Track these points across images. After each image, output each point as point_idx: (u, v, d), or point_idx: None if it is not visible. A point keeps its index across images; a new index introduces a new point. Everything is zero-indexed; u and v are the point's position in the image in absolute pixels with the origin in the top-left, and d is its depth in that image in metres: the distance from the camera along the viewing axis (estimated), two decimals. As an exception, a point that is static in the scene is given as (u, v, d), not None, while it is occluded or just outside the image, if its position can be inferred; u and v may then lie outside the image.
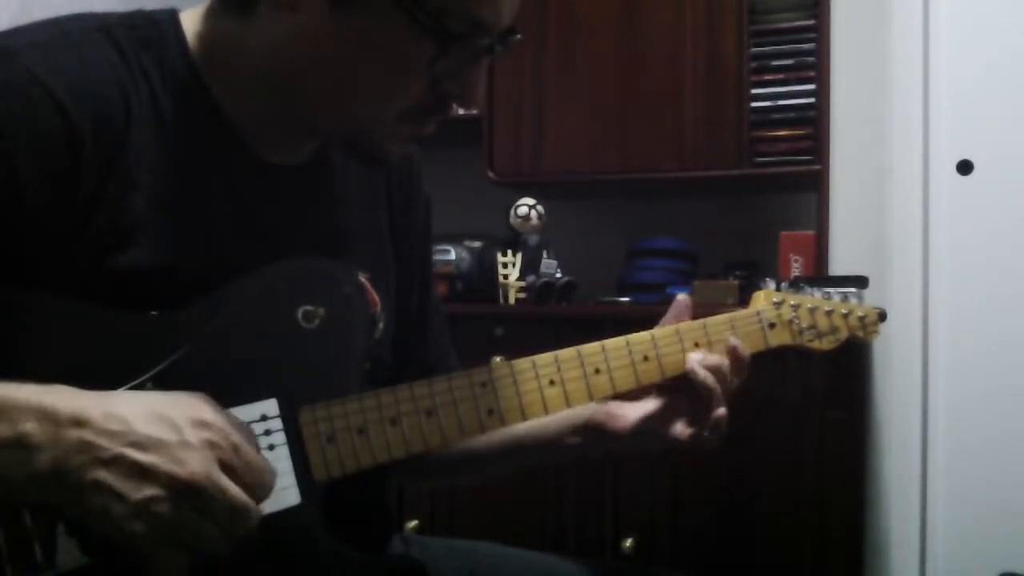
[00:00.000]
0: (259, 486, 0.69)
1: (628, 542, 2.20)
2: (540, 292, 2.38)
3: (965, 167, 2.43)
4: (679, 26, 2.44)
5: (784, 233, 2.42)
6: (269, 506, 0.71)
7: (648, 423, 0.96)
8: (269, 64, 0.80)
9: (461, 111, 2.56)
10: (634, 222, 2.74)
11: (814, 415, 2.11)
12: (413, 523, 2.30)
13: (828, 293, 1.12)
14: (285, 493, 0.75)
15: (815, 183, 2.38)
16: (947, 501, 2.40)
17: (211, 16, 0.82)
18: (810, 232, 2.41)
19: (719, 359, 0.94)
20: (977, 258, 2.41)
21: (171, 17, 0.83)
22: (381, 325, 0.92)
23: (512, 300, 2.41)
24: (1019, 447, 2.35)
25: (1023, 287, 2.37)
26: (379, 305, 0.92)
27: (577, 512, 2.27)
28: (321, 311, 0.81)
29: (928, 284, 2.44)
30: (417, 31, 0.75)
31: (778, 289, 1.09)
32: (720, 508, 2.17)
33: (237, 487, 0.67)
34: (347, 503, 0.83)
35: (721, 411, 0.93)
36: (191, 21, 0.83)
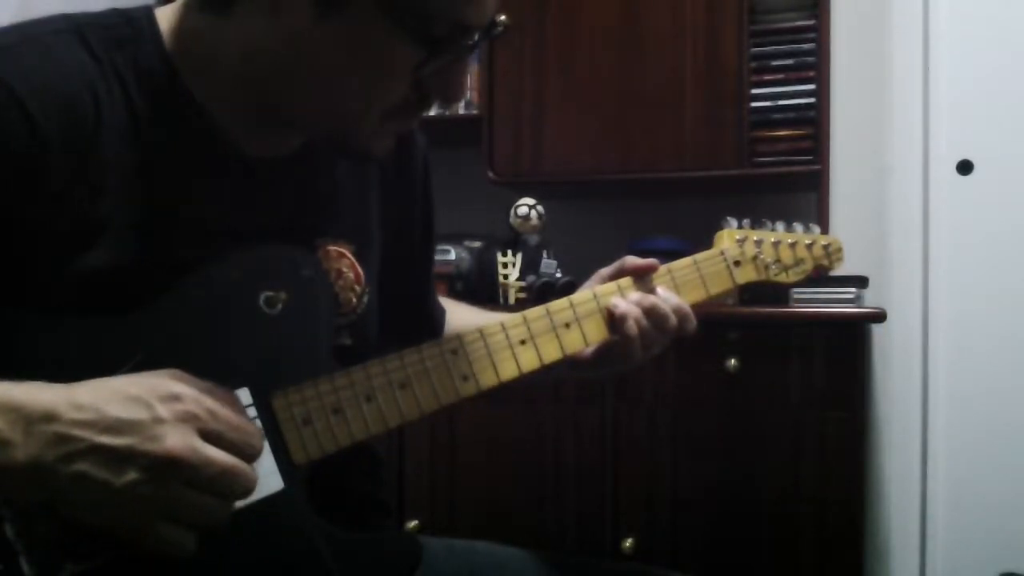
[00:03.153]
0: (246, 445, 0.69)
1: (628, 542, 2.19)
2: (540, 292, 2.37)
3: (965, 167, 2.43)
4: (679, 26, 2.43)
5: (784, 233, 2.42)
6: (254, 494, 0.71)
7: (605, 347, 0.97)
8: (249, 65, 0.79)
9: (461, 111, 2.57)
10: (634, 222, 2.74)
11: (814, 415, 2.11)
12: (413, 523, 2.30)
13: (791, 225, 1.12)
14: (268, 480, 0.75)
15: (815, 183, 2.38)
16: (947, 501, 2.40)
17: (186, 12, 0.81)
18: (810, 232, 2.41)
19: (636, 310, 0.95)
20: (977, 258, 2.41)
21: (147, 14, 0.81)
22: (366, 299, 0.92)
23: (512, 300, 2.41)
24: (1019, 446, 2.35)
25: (1023, 287, 2.37)
26: (363, 279, 0.91)
27: (577, 512, 2.26)
28: (283, 295, 0.80)
29: (928, 284, 2.44)
30: (402, 36, 0.74)
31: (740, 227, 1.08)
32: (720, 508, 2.17)
33: (223, 452, 0.67)
34: (339, 490, 0.83)
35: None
36: (166, 17, 0.81)
